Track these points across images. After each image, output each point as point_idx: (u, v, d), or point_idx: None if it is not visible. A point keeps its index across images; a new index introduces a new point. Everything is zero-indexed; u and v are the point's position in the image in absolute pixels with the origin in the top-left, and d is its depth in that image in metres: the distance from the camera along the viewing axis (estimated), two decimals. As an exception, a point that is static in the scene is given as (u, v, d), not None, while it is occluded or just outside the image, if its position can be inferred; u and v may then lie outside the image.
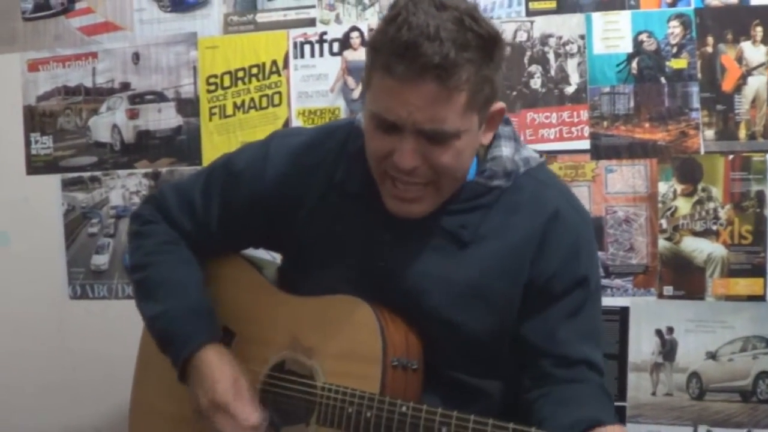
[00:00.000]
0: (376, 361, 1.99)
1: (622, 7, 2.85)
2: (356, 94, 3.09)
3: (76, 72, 3.40)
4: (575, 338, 2.06)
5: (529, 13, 2.93)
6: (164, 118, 3.30)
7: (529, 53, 2.93)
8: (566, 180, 2.87)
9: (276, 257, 2.44)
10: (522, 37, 2.93)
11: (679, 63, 2.83)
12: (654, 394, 2.87)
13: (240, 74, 3.20)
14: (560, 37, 2.90)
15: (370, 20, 3.06)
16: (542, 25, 2.92)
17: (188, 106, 3.28)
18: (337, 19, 3.10)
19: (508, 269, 2.05)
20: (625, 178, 2.87)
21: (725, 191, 2.81)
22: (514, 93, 2.94)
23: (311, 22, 3.13)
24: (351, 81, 3.09)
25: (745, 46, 2.77)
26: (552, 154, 2.91)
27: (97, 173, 3.40)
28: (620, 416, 2.82)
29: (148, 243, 2.31)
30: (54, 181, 3.45)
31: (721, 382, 2.82)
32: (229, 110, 3.22)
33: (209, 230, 2.27)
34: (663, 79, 2.84)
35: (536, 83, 2.92)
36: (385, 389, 1.97)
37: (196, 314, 2.20)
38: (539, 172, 2.14)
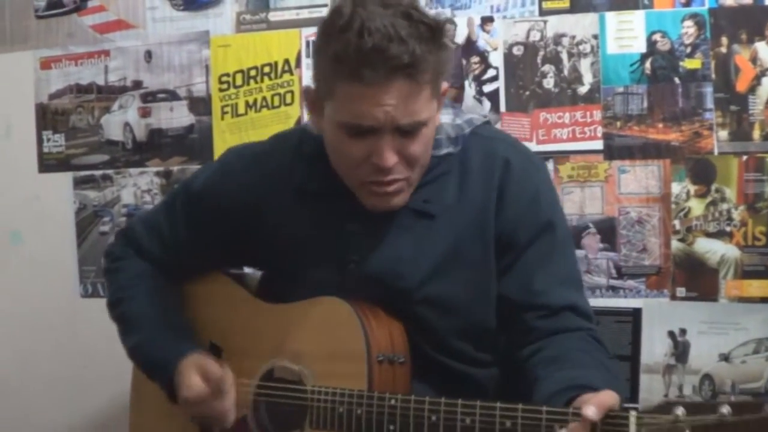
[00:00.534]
0: (360, 359, 2.00)
1: (636, 7, 2.84)
2: (368, 93, 3.08)
3: (89, 70, 3.41)
4: (553, 285, 2.07)
5: (542, 12, 2.92)
6: (176, 117, 3.31)
7: (542, 53, 2.92)
8: (579, 180, 2.87)
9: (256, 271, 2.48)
10: (535, 36, 2.92)
11: (692, 63, 2.81)
12: (666, 395, 2.86)
13: (252, 73, 3.20)
14: (573, 37, 2.89)
15: (383, 19, 3.06)
16: (555, 24, 2.91)
17: (200, 105, 3.28)
18: (350, 18, 3.09)
19: (477, 229, 2.09)
20: (638, 179, 2.86)
21: (739, 192, 2.79)
22: (527, 93, 2.94)
23: (324, 21, 3.12)
24: (363, 80, 3.08)
25: (760, 46, 2.76)
26: (564, 154, 2.90)
27: (109, 171, 3.40)
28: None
29: (119, 278, 2.38)
30: (66, 179, 3.46)
31: (735, 384, 2.81)
32: (241, 109, 3.22)
33: (180, 255, 2.34)
34: (677, 80, 2.82)
35: (549, 83, 2.91)
36: (372, 385, 1.99)
37: (172, 335, 2.26)
38: (484, 129, 2.20)
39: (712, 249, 2.82)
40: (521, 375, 2.03)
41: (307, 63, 3.13)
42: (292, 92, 3.15)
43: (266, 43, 3.18)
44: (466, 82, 2.98)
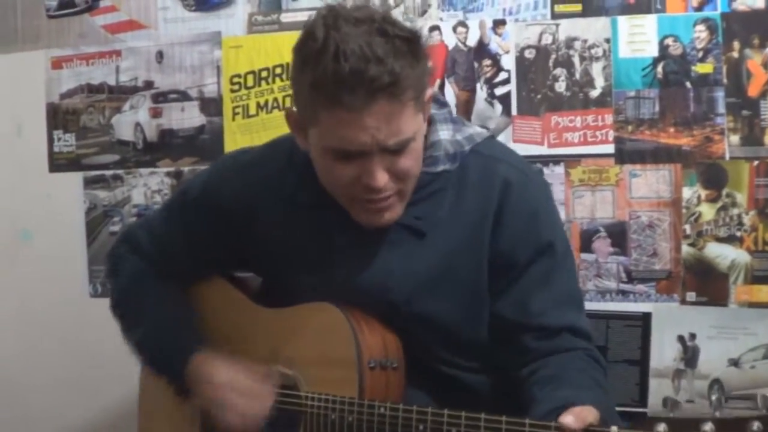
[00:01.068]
0: (351, 365, 2.00)
1: (648, 11, 2.84)
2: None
3: (100, 70, 3.41)
4: (551, 307, 2.05)
5: (555, 16, 2.92)
6: (187, 117, 3.31)
7: (554, 56, 2.92)
8: (590, 184, 2.87)
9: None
10: (547, 40, 2.92)
11: (704, 68, 2.81)
12: (675, 400, 2.86)
13: (264, 74, 3.20)
14: (585, 41, 2.89)
15: (395, 21, 3.06)
16: (567, 28, 2.91)
17: (211, 106, 3.28)
18: (361, 20, 3.09)
19: (470, 248, 2.06)
20: (649, 183, 2.85)
21: (750, 197, 2.79)
22: (539, 96, 2.94)
23: (335, 23, 3.12)
24: (374, 82, 3.08)
25: (772, 51, 2.77)
26: (576, 158, 2.90)
27: (120, 171, 3.40)
28: (641, 422, 2.80)
29: (121, 280, 2.40)
30: (76, 178, 3.46)
31: (743, 389, 2.80)
32: (253, 110, 3.22)
33: (179, 260, 2.33)
34: (688, 84, 2.82)
35: (561, 87, 2.91)
36: (364, 392, 1.99)
37: (181, 327, 2.27)
38: (485, 147, 2.14)
39: (722, 254, 2.82)
40: (517, 391, 2.02)
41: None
42: (303, 94, 3.14)
43: (278, 44, 3.18)
44: (478, 85, 2.98)
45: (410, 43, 1.83)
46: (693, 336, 2.84)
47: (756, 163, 2.78)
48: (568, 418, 1.66)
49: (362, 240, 2.06)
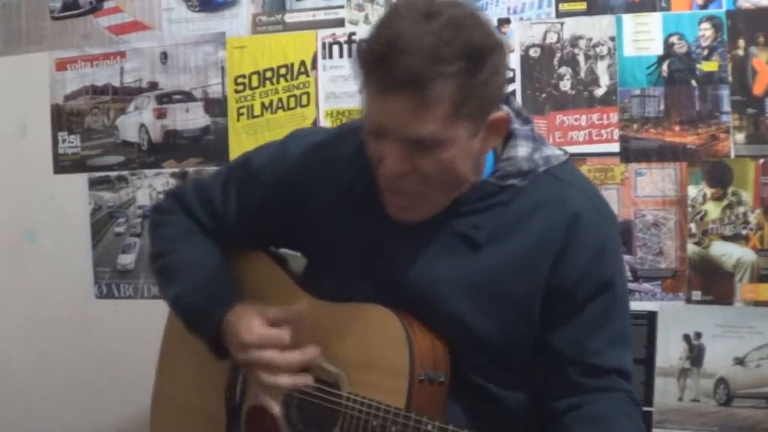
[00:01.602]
0: (402, 375, 1.95)
1: (653, 9, 2.84)
2: (384, 95, 3.08)
3: (104, 71, 3.41)
4: (606, 347, 2.02)
5: (559, 14, 2.92)
6: (192, 118, 3.31)
7: (558, 55, 2.92)
8: (595, 183, 2.85)
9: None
10: (552, 38, 2.92)
11: (709, 66, 2.81)
12: (681, 399, 2.86)
13: (268, 74, 3.20)
14: (590, 39, 2.89)
15: (399, 21, 3.06)
16: (572, 26, 2.91)
17: (216, 106, 3.28)
18: (366, 20, 3.10)
19: (526, 271, 2.00)
20: (654, 182, 2.86)
21: (755, 195, 2.79)
22: (544, 95, 2.94)
23: (340, 23, 3.13)
24: (379, 82, 3.08)
25: (777, 49, 2.77)
26: (581, 157, 2.89)
27: (124, 173, 3.41)
28: (647, 421, 2.80)
29: (166, 231, 2.32)
30: (81, 180, 3.47)
31: (749, 388, 2.80)
32: (257, 110, 3.22)
33: (228, 228, 2.27)
34: (693, 82, 2.82)
35: (566, 85, 2.92)
36: (411, 404, 1.94)
37: (219, 284, 2.20)
38: (561, 171, 2.07)
39: (728, 252, 2.82)
40: (550, 421, 2.01)
41: (323, 64, 3.14)
42: (308, 94, 3.16)
43: (282, 44, 3.18)
44: (483, 84, 2.97)
45: (467, 53, 1.78)
46: (698, 335, 2.84)
47: (761, 161, 2.78)
48: None
49: (416, 240, 2.02)
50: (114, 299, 3.42)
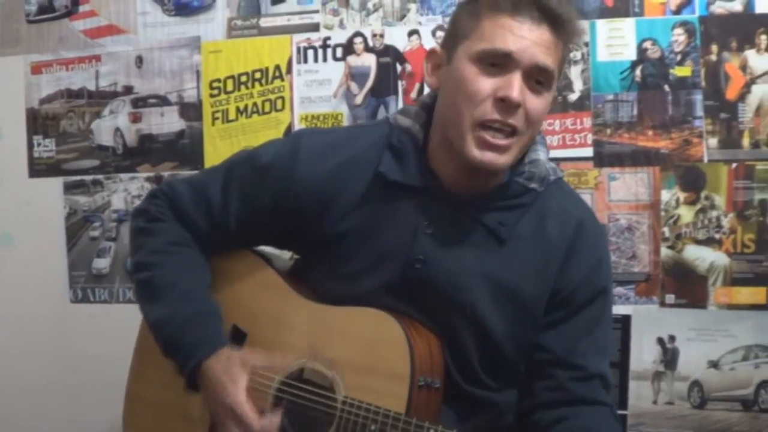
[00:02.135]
0: (403, 381, 1.96)
1: (627, 15, 2.86)
2: (359, 99, 3.08)
3: (80, 75, 3.40)
4: (593, 351, 2.09)
5: (534, 19, 2.92)
6: (167, 122, 3.30)
7: (532, 60, 2.93)
8: (569, 187, 2.89)
9: (284, 252, 2.39)
10: (526, 43, 2.92)
11: (683, 71, 2.83)
12: (655, 402, 2.87)
13: (243, 79, 3.20)
14: (564, 44, 2.90)
15: (374, 26, 3.06)
16: (546, 31, 2.91)
17: (191, 110, 3.28)
18: (341, 25, 3.10)
19: (539, 274, 2.07)
20: (627, 186, 2.86)
21: (728, 200, 2.80)
22: (518, 100, 2.94)
23: (315, 27, 3.13)
24: (354, 86, 3.08)
25: (750, 54, 2.77)
26: (555, 162, 2.89)
27: (99, 177, 3.39)
28: (621, 425, 2.81)
29: (154, 241, 2.24)
30: (56, 184, 3.45)
31: (723, 391, 2.82)
32: (232, 115, 3.21)
33: (227, 229, 2.22)
34: (667, 87, 2.84)
35: (540, 90, 2.92)
36: (410, 410, 1.95)
37: (202, 322, 2.15)
38: (563, 183, 2.21)
39: (701, 256, 2.83)
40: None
41: (298, 69, 3.14)
42: (282, 98, 3.15)
43: (257, 48, 3.18)
44: (457, 89, 2.98)
45: (576, 37, 2.03)
46: (672, 338, 2.84)
47: (734, 165, 2.79)
48: None
49: (445, 232, 2.06)
50: (89, 303, 3.41)
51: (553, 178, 2.12)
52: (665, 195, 2.84)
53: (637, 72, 2.85)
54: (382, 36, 3.07)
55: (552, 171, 2.13)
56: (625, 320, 2.88)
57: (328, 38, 3.12)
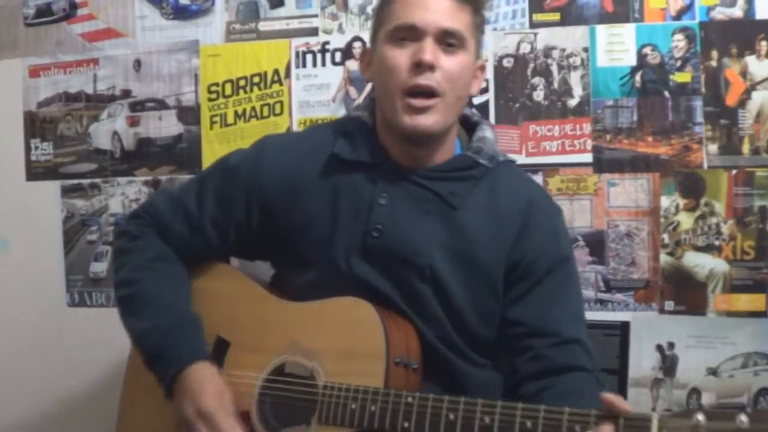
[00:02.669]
0: (379, 358, 2.03)
1: (627, 20, 2.85)
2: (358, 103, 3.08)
3: (77, 78, 3.39)
4: (566, 317, 2.19)
5: (533, 25, 2.92)
6: (165, 126, 3.29)
7: (532, 65, 2.92)
8: (568, 193, 2.87)
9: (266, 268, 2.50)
10: (525, 49, 2.92)
11: (683, 77, 2.82)
12: (654, 409, 2.85)
13: (241, 83, 3.19)
14: (564, 50, 2.89)
15: (373, 30, 3.06)
16: (546, 37, 2.91)
17: (189, 114, 3.27)
18: (340, 29, 3.09)
19: (493, 239, 2.21)
20: (627, 192, 2.86)
21: (728, 206, 2.79)
22: (517, 105, 2.93)
23: (314, 32, 3.12)
24: (353, 91, 3.08)
25: (750, 60, 2.77)
26: (554, 167, 2.90)
27: (97, 180, 3.38)
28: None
29: (135, 259, 2.38)
30: (53, 187, 3.44)
31: (722, 398, 2.80)
32: (230, 119, 3.21)
33: (204, 233, 2.36)
34: (666, 93, 2.83)
35: (539, 95, 2.91)
36: (388, 385, 2.01)
37: (183, 332, 2.25)
38: (513, 166, 2.41)
39: (700, 263, 2.82)
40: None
41: (296, 73, 3.13)
42: (281, 102, 3.14)
43: (256, 53, 3.17)
44: (456, 94, 2.98)
45: (482, 8, 2.28)
46: (671, 345, 2.83)
47: (734, 172, 2.79)
48: (610, 395, 1.74)
49: (400, 202, 2.21)
50: (86, 307, 3.40)
51: (503, 159, 2.30)
52: (665, 201, 2.83)
53: (637, 78, 2.84)
54: (381, 40, 3.06)
55: (502, 153, 2.34)
56: (624, 327, 2.87)
57: (327, 43, 3.11)
